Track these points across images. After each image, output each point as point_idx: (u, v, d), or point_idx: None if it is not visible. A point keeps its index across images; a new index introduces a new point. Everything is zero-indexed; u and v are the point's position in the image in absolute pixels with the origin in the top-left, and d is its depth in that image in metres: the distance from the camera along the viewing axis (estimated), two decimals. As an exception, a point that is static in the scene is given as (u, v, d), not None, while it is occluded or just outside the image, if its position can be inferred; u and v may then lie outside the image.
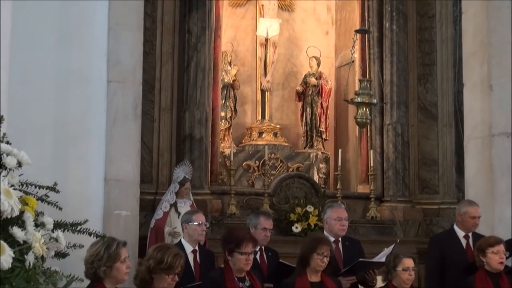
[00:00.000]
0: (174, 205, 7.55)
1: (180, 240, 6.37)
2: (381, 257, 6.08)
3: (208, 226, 6.70)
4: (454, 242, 6.78)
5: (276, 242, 6.54)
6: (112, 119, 6.32)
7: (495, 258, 5.77)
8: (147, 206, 7.93)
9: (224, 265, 5.22)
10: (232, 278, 5.09)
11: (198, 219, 6.23)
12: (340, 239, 6.42)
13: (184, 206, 7.54)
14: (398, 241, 6.25)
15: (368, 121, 8.72)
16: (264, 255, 6.34)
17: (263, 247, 6.34)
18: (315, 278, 5.40)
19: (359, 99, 8.46)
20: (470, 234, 6.84)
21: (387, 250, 6.16)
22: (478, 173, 8.48)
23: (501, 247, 5.76)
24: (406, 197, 9.30)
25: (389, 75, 9.47)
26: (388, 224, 9.12)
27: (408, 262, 5.49)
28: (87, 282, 4.10)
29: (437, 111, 9.53)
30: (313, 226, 8.45)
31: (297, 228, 8.50)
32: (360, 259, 6.10)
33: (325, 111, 10.20)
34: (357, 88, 8.79)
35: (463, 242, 6.82)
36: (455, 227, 6.91)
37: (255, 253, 5.28)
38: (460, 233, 6.84)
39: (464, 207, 6.93)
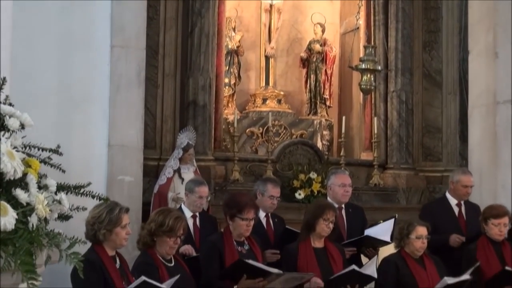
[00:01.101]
0: (177, 171, 7.56)
1: (181, 205, 6.42)
2: (383, 232, 6.09)
3: (209, 199, 6.71)
4: (446, 210, 6.79)
5: (279, 208, 6.55)
6: (115, 84, 6.30)
7: (495, 230, 5.80)
8: (151, 172, 7.95)
9: (224, 230, 5.26)
10: (231, 242, 5.12)
11: (200, 192, 6.23)
12: (343, 205, 6.44)
13: (188, 172, 7.56)
14: (397, 215, 6.24)
15: (372, 88, 8.68)
16: (271, 221, 6.36)
17: (269, 214, 6.37)
18: (318, 244, 5.43)
19: (363, 65, 8.42)
20: (462, 202, 6.84)
21: (386, 224, 6.15)
22: (481, 141, 8.48)
23: (504, 220, 5.78)
24: (409, 164, 9.31)
25: (394, 42, 9.42)
26: (391, 191, 9.14)
27: (422, 230, 5.50)
28: (89, 244, 4.13)
29: (442, 79, 9.50)
30: (316, 192, 8.48)
31: (300, 194, 8.52)
32: (366, 234, 6.11)
33: (329, 78, 10.17)
34: (361, 55, 8.75)
35: (455, 210, 6.82)
36: (447, 195, 6.92)
37: (256, 219, 5.28)
38: (453, 201, 6.84)
39: (457, 176, 6.94)
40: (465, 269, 5.59)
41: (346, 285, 5.16)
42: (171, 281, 4.25)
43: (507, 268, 5.59)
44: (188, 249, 5.70)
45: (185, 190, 6.37)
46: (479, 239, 5.90)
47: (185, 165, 7.62)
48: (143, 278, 4.05)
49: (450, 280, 5.26)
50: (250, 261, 4.84)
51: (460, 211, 6.80)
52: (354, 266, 5.21)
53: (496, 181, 8.18)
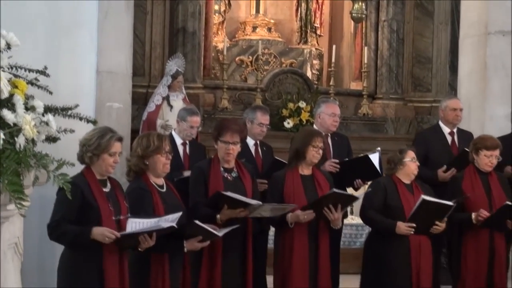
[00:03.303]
0: (166, 98, 7.54)
1: (171, 132, 6.43)
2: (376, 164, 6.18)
3: (199, 128, 6.71)
4: (439, 139, 6.84)
5: (267, 137, 6.57)
6: (104, 10, 6.22)
7: (486, 161, 5.81)
8: (140, 99, 7.94)
9: (214, 156, 5.27)
10: (218, 169, 5.13)
11: (192, 122, 6.25)
12: (329, 134, 6.48)
13: (177, 100, 7.54)
14: (379, 148, 6.29)
15: (363, 16, 8.62)
16: (259, 150, 6.40)
17: (258, 142, 6.40)
18: (306, 171, 5.45)
19: (355, -6, 8.33)
20: (455, 131, 6.89)
21: (373, 157, 6.21)
22: (471, 72, 8.48)
23: (496, 153, 5.80)
24: (398, 94, 9.31)
25: (386, -30, 9.30)
26: (380, 121, 9.17)
27: (413, 153, 5.58)
28: (78, 166, 4.14)
29: (434, 8, 9.40)
30: (304, 121, 8.49)
31: (289, 123, 8.53)
32: (368, 156, 6.20)
33: (320, 6, 10.06)
34: (353, -17, 8.65)
35: (449, 138, 6.87)
36: (440, 123, 6.96)
37: (241, 146, 5.27)
38: (446, 130, 6.89)
39: (445, 102, 7.00)
40: (451, 197, 5.65)
41: (328, 205, 5.21)
42: (175, 216, 4.26)
43: (508, 202, 5.66)
44: None
45: (177, 117, 6.38)
46: (467, 168, 5.94)
47: (174, 92, 7.60)
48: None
49: (427, 197, 5.34)
50: (228, 193, 4.86)
51: (453, 140, 6.85)
52: (334, 189, 5.26)
53: (484, 112, 8.21)
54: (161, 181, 4.58)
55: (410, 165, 5.55)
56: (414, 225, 5.34)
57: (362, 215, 5.63)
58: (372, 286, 5.59)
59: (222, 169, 5.16)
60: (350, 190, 6.26)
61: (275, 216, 5.24)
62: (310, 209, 5.22)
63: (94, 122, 3.56)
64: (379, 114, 9.22)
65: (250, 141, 6.34)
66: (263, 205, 5.02)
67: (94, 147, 4.14)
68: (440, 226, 5.42)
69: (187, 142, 6.29)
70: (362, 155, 6.40)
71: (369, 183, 6.28)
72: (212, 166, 5.15)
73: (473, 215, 5.68)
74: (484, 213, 5.66)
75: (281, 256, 5.35)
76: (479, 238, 5.74)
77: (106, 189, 4.20)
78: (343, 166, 6.21)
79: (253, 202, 4.95)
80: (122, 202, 4.24)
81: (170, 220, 4.21)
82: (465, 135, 6.70)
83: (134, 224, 4.15)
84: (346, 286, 6.88)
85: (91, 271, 4.08)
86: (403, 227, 5.35)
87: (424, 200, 5.33)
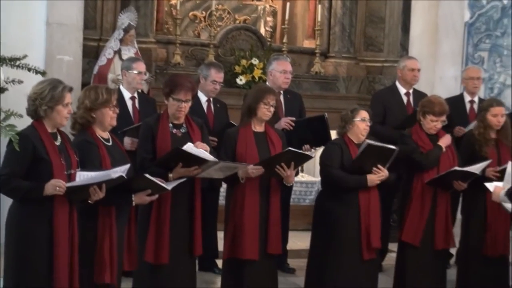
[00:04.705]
0: (118, 52, 7.45)
1: (119, 86, 6.38)
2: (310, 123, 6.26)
3: (149, 75, 6.66)
4: (395, 99, 6.94)
5: (220, 94, 6.56)
6: (54, -40, 6.11)
7: (431, 125, 5.91)
8: (91, 53, 7.82)
9: (163, 112, 5.24)
10: (166, 125, 5.10)
11: (138, 67, 6.21)
12: (281, 91, 6.50)
13: (128, 54, 7.46)
14: (326, 114, 6.34)
15: (318, -26, 8.58)
16: (212, 106, 6.39)
17: (211, 99, 6.39)
18: (259, 128, 5.48)
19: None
20: (411, 92, 6.99)
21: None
22: (423, 33, 8.60)
23: (442, 118, 5.89)
24: (351, 53, 9.34)
25: None
26: (332, 79, 9.21)
27: (364, 113, 5.64)
28: (26, 119, 4.09)
29: (388, -32, 9.41)
30: (257, 78, 8.48)
31: (241, 80, 8.52)
32: (324, 115, 6.26)
33: (275, -38, 9.99)
34: None
35: (404, 99, 6.97)
36: (397, 84, 7.06)
37: (192, 103, 5.24)
38: (402, 90, 6.99)
39: (403, 62, 7.10)
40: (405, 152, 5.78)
41: (280, 163, 5.25)
42: (124, 168, 4.25)
43: (456, 168, 5.78)
44: None
45: (122, 69, 6.33)
46: (413, 128, 6.03)
47: (126, 46, 7.51)
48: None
49: (372, 142, 5.44)
50: (187, 149, 4.85)
51: (408, 100, 6.96)
52: (290, 148, 5.30)
53: (434, 72, 8.36)
54: (106, 134, 4.55)
55: (360, 125, 5.61)
56: (385, 173, 5.46)
57: (326, 174, 5.67)
58: (322, 242, 5.68)
59: (171, 125, 5.13)
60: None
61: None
62: (262, 165, 5.25)
63: (43, 74, 3.50)
64: (331, 73, 9.26)
65: (203, 97, 6.33)
66: (218, 162, 5.02)
67: (48, 99, 4.10)
68: (381, 170, 5.52)
69: (136, 96, 6.25)
70: (318, 115, 6.44)
71: (316, 149, 6.37)
72: (161, 122, 5.11)
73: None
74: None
75: (232, 212, 5.39)
76: (423, 196, 5.87)
77: (57, 143, 4.17)
78: (297, 125, 6.26)
79: (211, 158, 4.95)
80: (72, 155, 4.22)
81: (119, 171, 4.20)
82: (420, 96, 6.79)
83: (83, 177, 4.14)
84: (295, 243, 7.00)
85: (41, 224, 4.08)
86: (374, 177, 5.48)
87: (369, 145, 5.42)
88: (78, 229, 4.22)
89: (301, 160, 5.55)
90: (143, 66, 6.30)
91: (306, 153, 5.56)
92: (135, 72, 6.18)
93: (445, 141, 5.88)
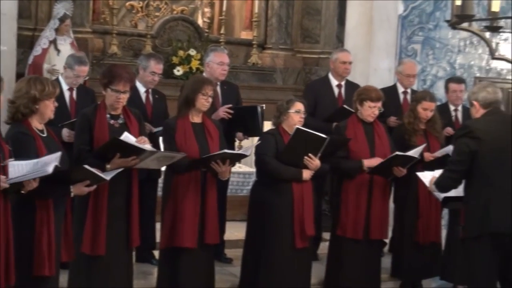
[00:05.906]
0: (53, 42, 7.36)
1: (58, 77, 6.33)
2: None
3: (87, 77, 6.62)
4: (327, 90, 7.06)
5: (157, 84, 6.57)
6: None
7: (369, 112, 6.03)
8: (25, 43, 7.70)
9: (100, 102, 5.22)
10: (103, 115, 5.09)
11: (80, 71, 6.19)
12: (218, 83, 6.54)
13: (64, 44, 7.39)
14: (264, 106, 6.43)
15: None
16: (150, 97, 6.40)
17: (149, 90, 6.39)
18: (196, 119, 5.51)
19: None
20: (343, 83, 7.11)
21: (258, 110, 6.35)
22: (358, 25, 8.74)
23: (379, 104, 6.02)
24: (287, 45, 9.42)
25: None
26: (269, 71, 9.27)
27: (300, 105, 5.72)
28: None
29: (324, -40, 9.50)
30: (195, 69, 8.49)
31: (179, 71, 8.51)
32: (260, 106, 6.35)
33: (213, -48, 9.98)
34: None
35: (336, 91, 7.10)
36: (329, 75, 7.18)
37: (130, 93, 5.23)
38: (334, 82, 7.12)
39: (335, 54, 7.22)
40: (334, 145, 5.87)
41: (216, 160, 5.30)
42: (55, 156, 4.20)
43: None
44: None
45: (65, 64, 6.30)
46: (350, 118, 6.15)
47: (62, 36, 7.42)
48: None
49: (301, 128, 5.56)
50: (124, 139, 4.84)
51: (339, 92, 7.08)
52: (225, 150, 5.35)
53: (368, 64, 8.52)
54: (41, 126, 4.51)
55: (294, 117, 5.70)
56: (316, 162, 5.54)
57: (262, 164, 5.74)
58: (257, 233, 5.76)
59: (108, 115, 5.12)
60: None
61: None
62: (199, 163, 5.29)
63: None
64: (268, 64, 9.32)
65: (141, 88, 6.34)
66: (156, 152, 5.03)
67: None
68: (313, 160, 5.60)
69: (74, 88, 6.22)
70: (252, 105, 6.52)
71: (249, 139, 6.46)
72: (98, 112, 5.09)
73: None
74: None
75: (170, 202, 5.42)
76: (360, 185, 5.99)
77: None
78: (233, 112, 6.33)
79: (148, 148, 4.95)
80: (4, 146, 4.14)
81: (51, 160, 4.15)
82: (352, 88, 6.90)
83: (16, 167, 4.07)
84: (232, 233, 7.06)
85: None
86: (308, 172, 5.60)
87: (298, 130, 5.51)
88: (14, 223, 4.14)
89: (236, 158, 5.63)
90: (85, 71, 6.29)
91: (241, 152, 5.58)
92: (75, 73, 6.18)
93: (371, 162, 5.95)
